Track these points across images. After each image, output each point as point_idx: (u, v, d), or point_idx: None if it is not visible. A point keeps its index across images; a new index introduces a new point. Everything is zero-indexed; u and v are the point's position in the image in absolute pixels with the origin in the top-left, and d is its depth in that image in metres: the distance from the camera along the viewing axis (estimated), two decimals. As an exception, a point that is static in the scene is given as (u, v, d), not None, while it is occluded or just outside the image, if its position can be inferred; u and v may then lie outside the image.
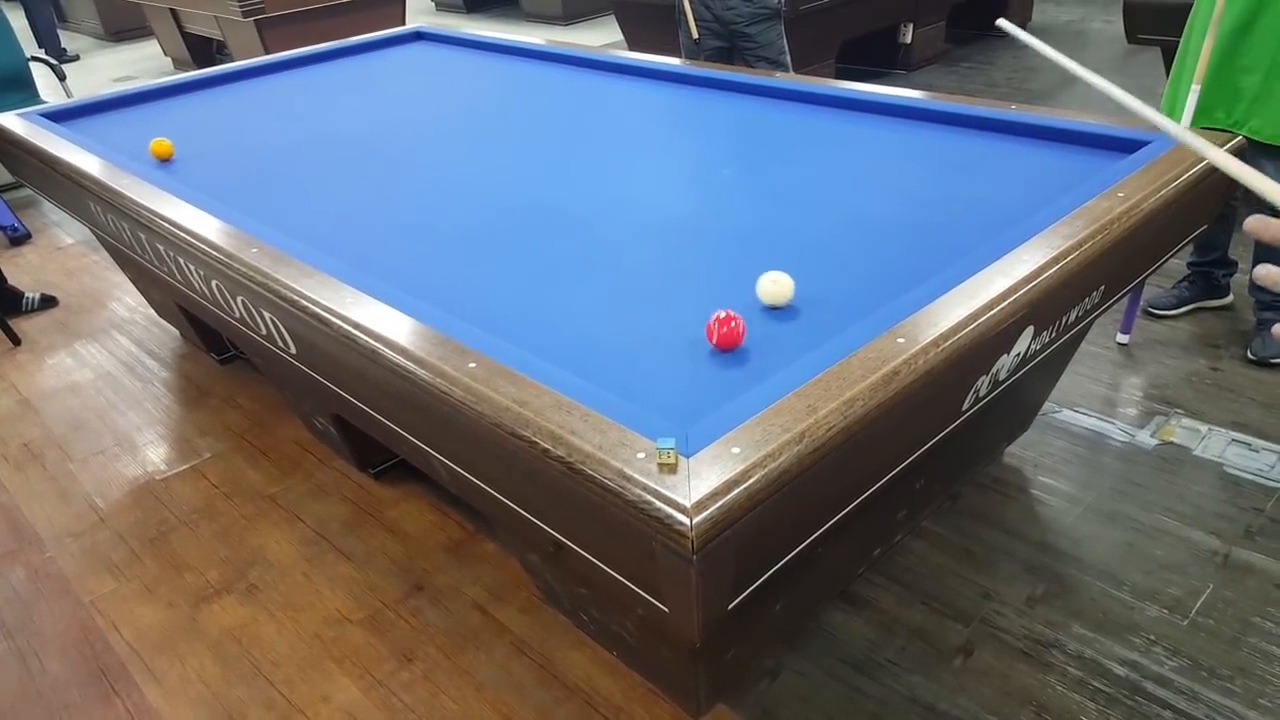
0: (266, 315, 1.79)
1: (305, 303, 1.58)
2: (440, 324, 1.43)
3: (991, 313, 1.33)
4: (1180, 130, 0.82)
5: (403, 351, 1.38)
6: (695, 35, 3.43)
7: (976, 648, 1.82)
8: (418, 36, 3.67)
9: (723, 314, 1.37)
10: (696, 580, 1.04)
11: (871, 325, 1.31)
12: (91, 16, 8.79)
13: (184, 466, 2.57)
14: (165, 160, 2.45)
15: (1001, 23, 1.63)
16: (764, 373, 1.24)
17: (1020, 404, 2.23)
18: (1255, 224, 0.70)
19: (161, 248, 2.12)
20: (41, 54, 4.99)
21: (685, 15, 3.41)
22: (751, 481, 1.04)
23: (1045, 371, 2.12)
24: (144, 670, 1.93)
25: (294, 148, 2.51)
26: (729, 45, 3.47)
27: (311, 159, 2.43)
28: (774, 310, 1.50)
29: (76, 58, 8.05)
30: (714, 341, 1.37)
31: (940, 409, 1.36)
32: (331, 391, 1.77)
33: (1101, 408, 2.50)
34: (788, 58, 3.48)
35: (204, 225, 1.92)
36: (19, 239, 4.24)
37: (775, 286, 1.49)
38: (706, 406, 1.21)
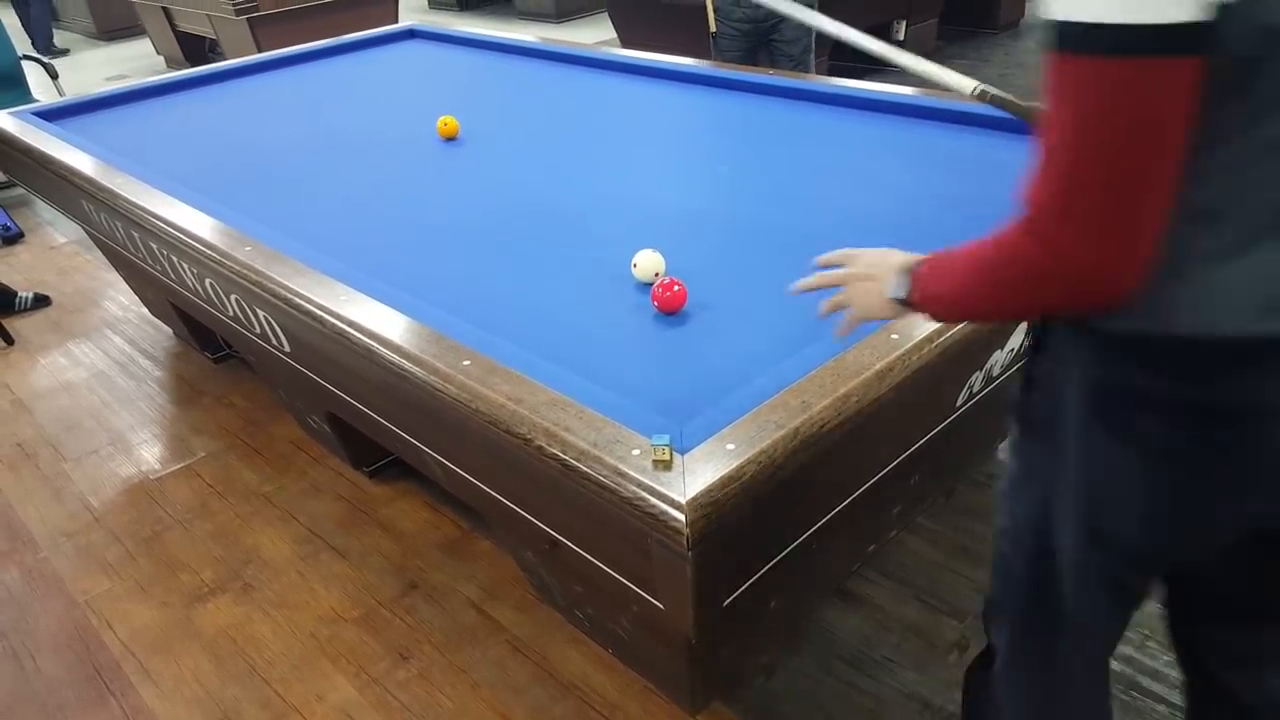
0: (260, 313, 1.79)
1: (299, 300, 1.58)
2: (435, 321, 1.43)
3: (985, 309, 1.33)
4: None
5: (397, 349, 1.38)
6: (713, 29, 3.38)
7: (972, 643, 1.82)
8: (411, 34, 3.66)
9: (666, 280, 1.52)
10: (692, 576, 1.04)
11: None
12: (84, 15, 8.75)
13: (178, 465, 2.56)
14: (450, 139, 2.44)
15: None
16: (759, 369, 1.25)
17: (1014, 400, 2.23)
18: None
19: (155, 246, 2.11)
20: (33, 52, 4.97)
21: (707, 7, 3.34)
22: (746, 478, 1.04)
23: (1039, 367, 2.12)
24: (139, 670, 1.92)
25: (287, 146, 2.50)
26: (753, 48, 3.41)
27: (304, 157, 2.43)
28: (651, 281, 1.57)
29: (67, 51, 8.02)
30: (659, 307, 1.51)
31: (934, 405, 1.36)
32: (326, 389, 1.77)
33: (1095, 403, 2.50)
34: (811, 57, 3.43)
35: (198, 224, 1.91)
36: (12, 238, 4.23)
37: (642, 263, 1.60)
38: (701, 403, 1.21)
